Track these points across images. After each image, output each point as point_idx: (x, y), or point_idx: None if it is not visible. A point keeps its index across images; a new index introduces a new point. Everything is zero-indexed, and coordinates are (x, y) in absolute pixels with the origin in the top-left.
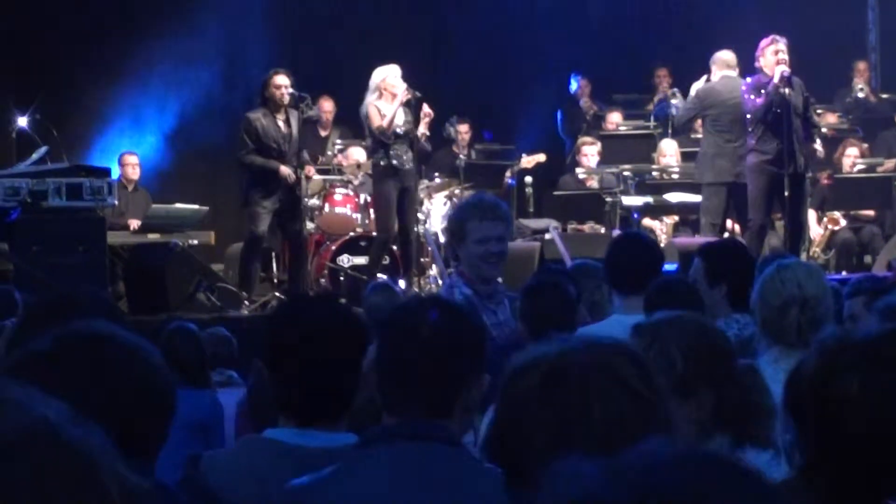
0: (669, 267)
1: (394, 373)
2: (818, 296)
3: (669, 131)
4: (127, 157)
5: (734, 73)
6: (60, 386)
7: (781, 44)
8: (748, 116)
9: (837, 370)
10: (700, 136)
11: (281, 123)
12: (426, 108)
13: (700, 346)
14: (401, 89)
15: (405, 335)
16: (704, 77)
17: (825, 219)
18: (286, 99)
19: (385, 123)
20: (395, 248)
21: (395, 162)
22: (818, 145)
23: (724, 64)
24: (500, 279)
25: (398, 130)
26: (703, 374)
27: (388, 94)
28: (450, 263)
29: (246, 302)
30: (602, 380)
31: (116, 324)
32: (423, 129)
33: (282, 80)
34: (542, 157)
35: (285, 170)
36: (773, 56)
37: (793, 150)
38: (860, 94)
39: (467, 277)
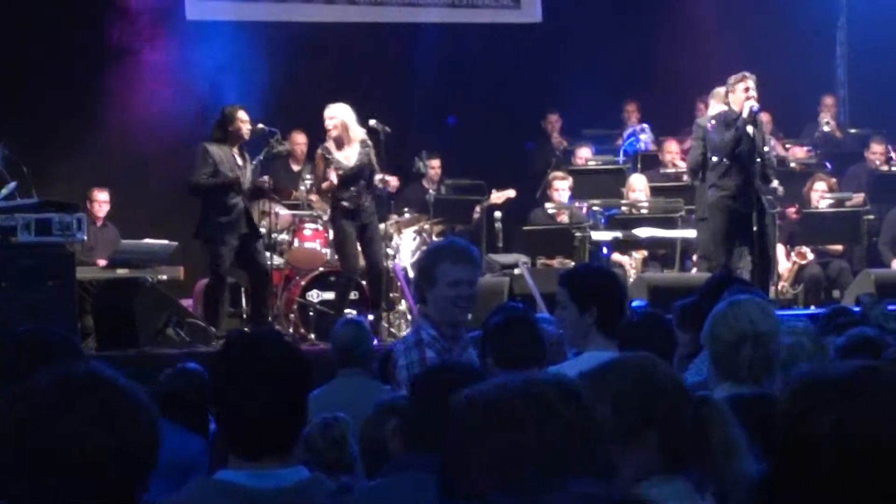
0: (638, 303)
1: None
2: (770, 332)
3: (639, 166)
4: (96, 193)
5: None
6: (62, 426)
7: (751, 81)
8: (714, 151)
9: (810, 407)
10: (670, 170)
11: (237, 157)
12: (388, 179)
13: (640, 388)
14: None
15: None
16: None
17: (793, 253)
18: (245, 135)
19: (324, 186)
20: (364, 283)
21: (346, 204)
22: (776, 184)
23: (721, 99)
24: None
25: (345, 172)
26: (644, 416)
27: (342, 135)
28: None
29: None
30: (537, 412)
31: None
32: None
33: (246, 116)
34: (511, 193)
35: (237, 175)
36: (743, 93)
37: (750, 188)
38: (826, 129)
39: (433, 320)
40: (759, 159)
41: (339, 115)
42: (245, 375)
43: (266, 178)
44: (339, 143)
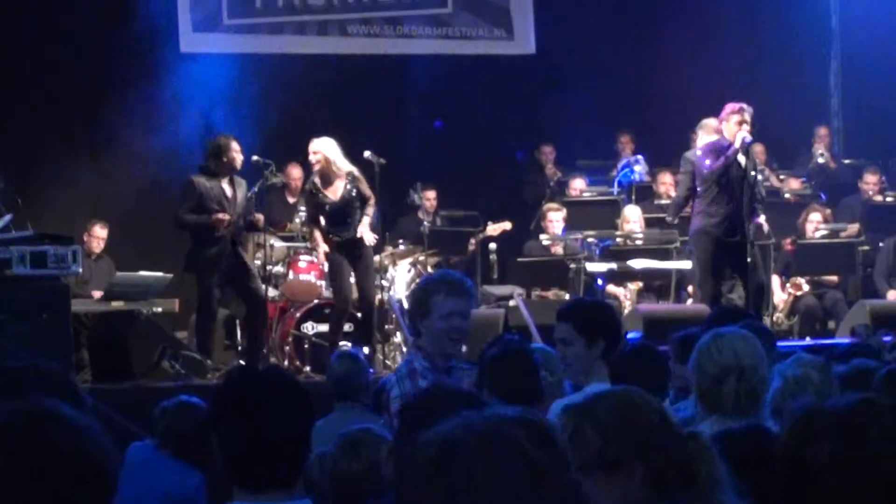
0: (633, 335)
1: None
2: (754, 364)
3: (633, 197)
4: (96, 229)
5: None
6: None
7: (747, 113)
8: (701, 179)
9: (809, 437)
10: (665, 201)
11: (226, 187)
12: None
13: (625, 421)
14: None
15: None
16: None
17: (788, 285)
18: (239, 165)
19: (306, 228)
20: (359, 315)
21: (337, 237)
22: (762, 220)
23: (711, 129)
24: (462, 351)
25: (331, 207)
26: (629, 447)
27: (327, 169)
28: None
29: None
30: (496, 450)
31: (69, 398)
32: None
33: (238, 146)
34: (507, 226)
35: (218, 217)
36: (736, 125)
37: (738, 218)
38: (820, 160)
39: (426, 351)
40: (748, 190)
41: (322, 149)
42: (249, 408)
43: (259, 215)
44: (325, 178)
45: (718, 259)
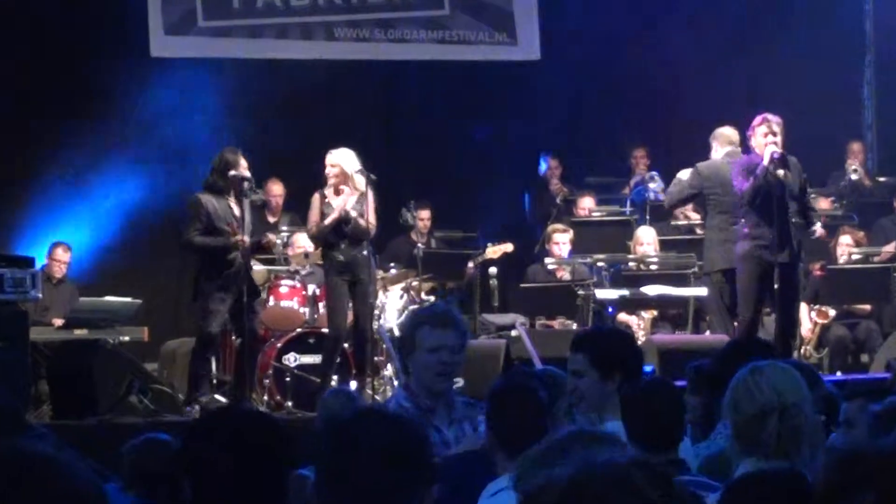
0: (646, 368)
1: (334, 484)
2: (798, 402)
3: (647, 217)
4: (59, 252)
5: (737, 149)
6: None
7: (774, 124)
8: (739, 201)
9: (853, 483)
10: (682, 222)
11: (234, 206)
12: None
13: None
14: (336, 204)
15: (346, 452)
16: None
17: (813, 312)
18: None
19: (314, 229)
20: (347, 346)
21: (340, 256)
22: (818, 227)
23: (726, 140)
24: (458, 392)
25: (342, 212)
26: None
27: (332, 182)
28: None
29: (188, 406)
30: (623, 497)
31: (20, 434)
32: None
33: (244, 161)
34: (509, 247)
35: (239, 238)
36: (763, 137)
37: (786, 236)
38: (854, 177)
39: (411, 391)
40: (794, 203)
41: (340, 162)
42: (223, 450)
43: (273, 236)
44: (337, 193)
45: (764, 285)
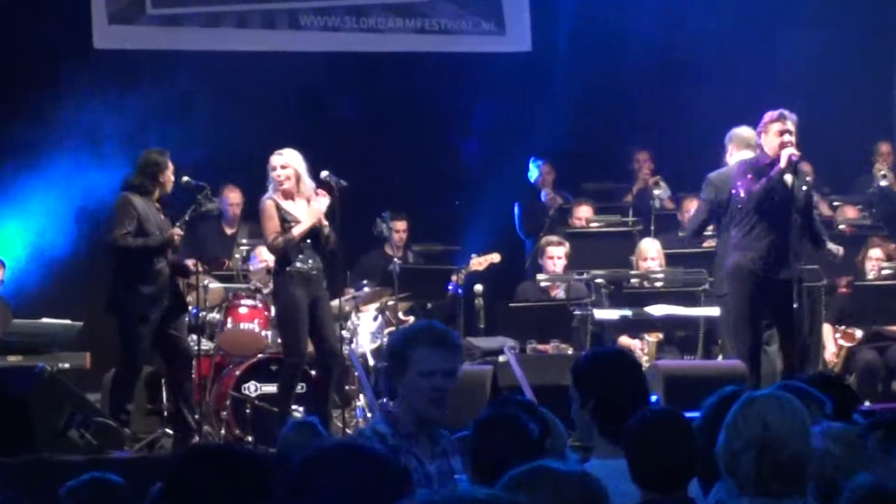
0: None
1: None
2: (783, 437)
3: (652, 228)
4: None
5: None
6: None
7: (789, 122)
8: (737, 206)
9: None
10: (690, 238)
11: (159, 211)
12: (320, 195)
13: None
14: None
15: (306, 494)
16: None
17: (838, 334)
18: (170, 188)
19: (280, 240)
20: (314, 373)
21: (302, 267)
22: (833, 246)
23: (742, 143)
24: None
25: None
26: None
27: (280, 187)
28: (381, 397)
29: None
30: None
31: None
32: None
33: (172, 166)
34: (495, 258)
35: (174, 232)
36: (777, 137)
37: (784, 251)
38: (883, 182)
39: (394, 416)
40: (798, 216)
41: (292, 163)
42: (205, 493)
43: (191, 260)
44: (288, 198)
45: (758, 304)
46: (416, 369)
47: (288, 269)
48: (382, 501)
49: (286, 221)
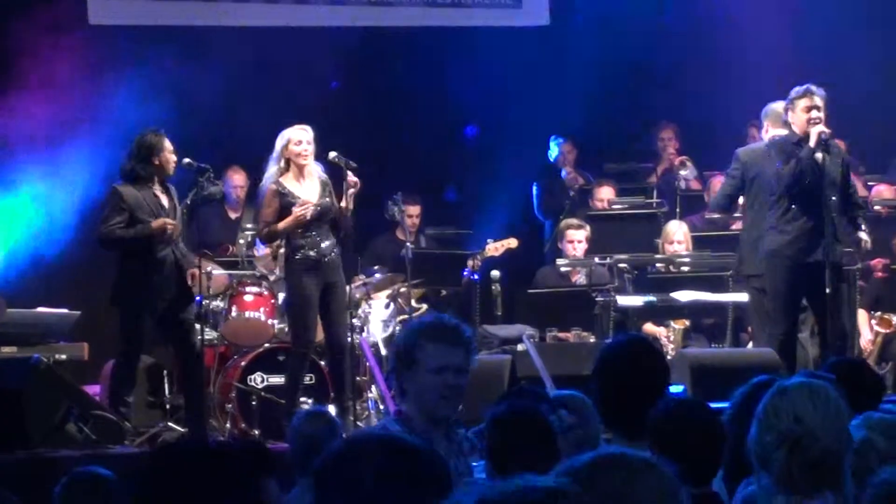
0: (676, 388)
1: None
2: (815, 430)
3: (678, 210)
4: None
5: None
6: None
7: (817, 97)
8: (771, 187)
9: None
10: (715, 215)
11: (160, 195)
12: (351, 177)
13: None
14: (296, 209)
15: (344, 488)
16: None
17: (874, 321)
18: (172, 170)
19: (266, 231)
20: (322, 363)
21: (312, 252)
22: (864, 234)
23: (778, 119)
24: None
25: (312, 210)
26: None
27: (293, 164)
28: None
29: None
30: None
31: None
32: (346, 204)
33: (170, 145)
34: (512, 243)
35: (160, 223)
36: (805, 113)
37: (820, 233)
38: None
39: (405, 416)
40: (833, 197)
41: (309, 139)
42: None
43: (194, 270)
44: (298, 177)
45: (795, 288)
46: (425, 367)
47: (296, 256)
48: (425, 499)
49: (291, 205)
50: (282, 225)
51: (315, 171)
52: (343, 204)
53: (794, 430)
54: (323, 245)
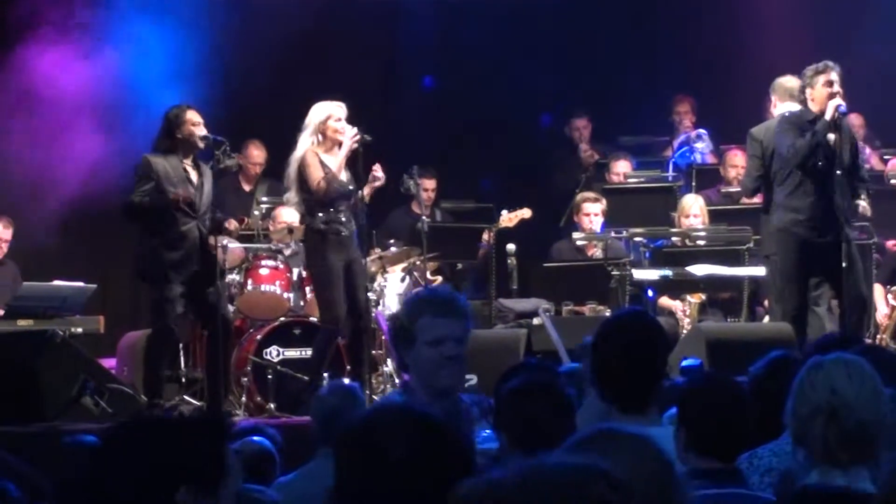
0: (690, 361)
1: None
2: (851, 402)
3: (693, 183)
4: None
5: (799, 106)
6: None
7: (834, 72)
8: (781, 162)
9: None
10: (734, 189)
11: (190, 170)
12: (378, 171)
13: None
14: (349, 134)
15: (369, 459)
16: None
17: (890, 295)
18: (200, 142)
19: (324, 183)
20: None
21: (340, 227)
22: (863, 200)
23: (786, 93)
24: (473, 390)
25: (343, 187)
26: None
27: (330, 139)
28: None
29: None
30: None
31: None
32: (368, 191)
33: (196, 117)
34: (526, 213)
35: (177, 194)
36: (825, 87)
37: (830, 211)
38: None
39: (410, 387)
40: (843, 174)
41: (335, 112)
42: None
43: (234, 221)
44: (329, 151)
45: (804, 265)
46: (423, 339)
47: (323, 228)
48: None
49: (324, 167)
50: (337, 162)
51: (349, 146)
52: (367, 191)
53: (830, 402)
54: (347, 222)
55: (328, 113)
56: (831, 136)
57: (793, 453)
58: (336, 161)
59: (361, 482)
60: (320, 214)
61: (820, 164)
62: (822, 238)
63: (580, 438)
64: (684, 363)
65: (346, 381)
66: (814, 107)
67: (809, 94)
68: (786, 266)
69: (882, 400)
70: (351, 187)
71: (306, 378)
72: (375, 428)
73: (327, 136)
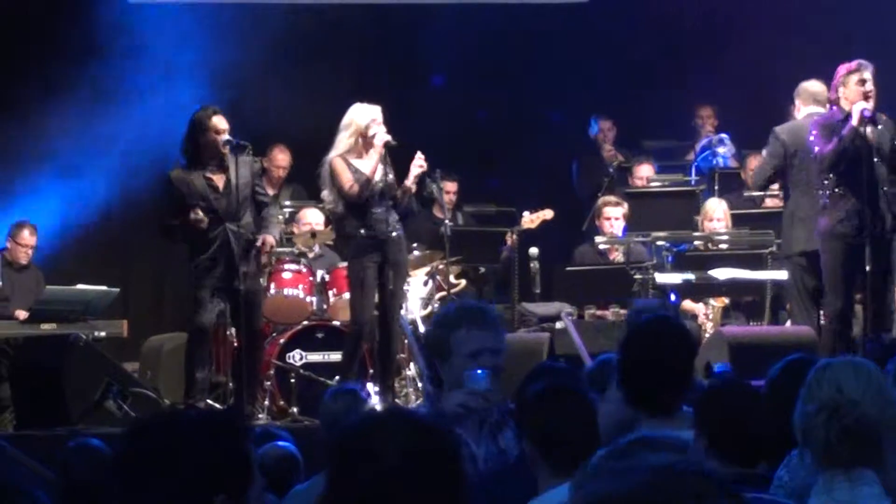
0: (721, 366)
1: None
2: (856, 400)
3: (716, 187)
4: (22, 233)
5: (824, 109)
6: None
7: (868, 72)
8: (817, 166)
9: None
10: (758, 193)
11: (214, 176)
12: (419, 159)
13: None
14: (381, 138)
15: (362, 465)
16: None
17: None
18: (223, 148)
19: (357, 186)
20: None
21: (374, 232)
22: None
23: (810, 98)
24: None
25: (377, 188)
26: None
27: (364, 143)
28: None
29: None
30: None
31: None
32: (410, 183)
33: (222, 124)
34: (548, 214)
35: (193, 218)
36: (859, 86)
37: (875, 207)
38: None
39: (432, 398)
40: (885, 170)
41: (374, 116)
42: (157, 466)
43: (269, 237)
44: (362, 154)
45: (851, 266)
46: (461, 352)
47: (361, 233)
48: (440, 477)
49: (351, 167)
50: (371, 164)
51: (376, 146)
52: (408, 182)
53: (835, 399)
54: (386, 224)
55: (373, 116)
56: (868, 131)
57: (799, 455)
58: (370, 164)
59: (354, 488)
60: (354, 220)
61: (854, 161)
62: (865, 236)
63: (616, 449)
64: (717, 369)
65: (353, 385)
66: (846, 105)
67: (843, 92)
68: (831, 268)
69: (888, 400)
70: (391, 176)
71: (329, 382)
72: (369, 434)
73: (367, 138)
